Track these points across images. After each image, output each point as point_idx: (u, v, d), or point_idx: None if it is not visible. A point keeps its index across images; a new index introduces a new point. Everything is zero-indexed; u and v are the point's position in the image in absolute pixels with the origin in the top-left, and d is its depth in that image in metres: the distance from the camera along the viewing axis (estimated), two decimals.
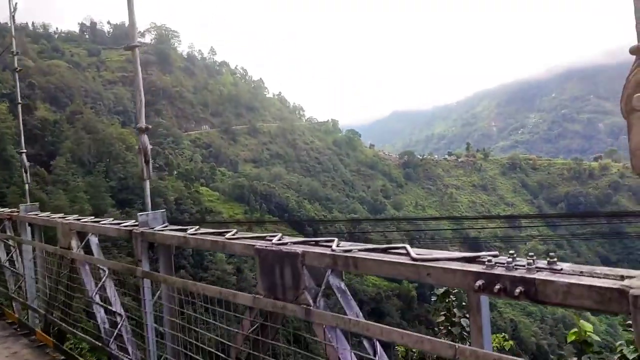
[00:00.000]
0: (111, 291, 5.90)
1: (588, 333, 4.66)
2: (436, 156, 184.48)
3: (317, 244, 3.66)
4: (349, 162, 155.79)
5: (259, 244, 3.86)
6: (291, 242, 3.76)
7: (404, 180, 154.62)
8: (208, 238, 4.42)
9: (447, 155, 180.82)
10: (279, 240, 3.90)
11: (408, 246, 3.08)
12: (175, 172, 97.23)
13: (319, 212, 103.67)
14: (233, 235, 4.30)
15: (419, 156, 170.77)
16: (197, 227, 4.75)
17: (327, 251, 3.36)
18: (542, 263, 2.45)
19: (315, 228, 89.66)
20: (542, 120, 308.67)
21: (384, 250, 3.19)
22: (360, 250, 3.27)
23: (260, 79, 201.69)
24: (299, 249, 3.51)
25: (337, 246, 3.42)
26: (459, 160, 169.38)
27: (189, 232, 4.65)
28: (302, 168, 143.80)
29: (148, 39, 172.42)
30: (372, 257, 3.09)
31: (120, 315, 5.75)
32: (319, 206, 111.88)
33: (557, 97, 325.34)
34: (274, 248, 3.67)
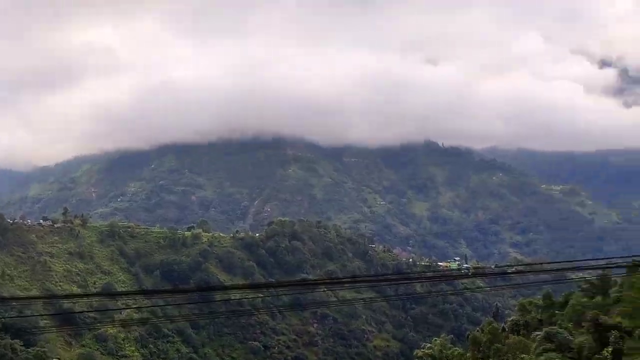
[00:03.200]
0: None
1: None
2: (29, 220, 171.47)
3: None
4: None
5: None
6: None
7: None
8: None
9: (42, 220, 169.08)
10: None
11: None
12: None
13: None
14: None
15: (9, 220, 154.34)
16: None
17: None
18: None
19: None
20: (142, 189, 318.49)
21: None
22: None
23: None
24: None
25: None
26: (56, 225, 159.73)
27: None
28: None
29: None
30: None
31: None
32: None
33: (157, 168, 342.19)
34: None
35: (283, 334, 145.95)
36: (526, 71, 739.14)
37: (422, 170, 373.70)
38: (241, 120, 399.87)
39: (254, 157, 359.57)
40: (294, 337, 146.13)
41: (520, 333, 69.23)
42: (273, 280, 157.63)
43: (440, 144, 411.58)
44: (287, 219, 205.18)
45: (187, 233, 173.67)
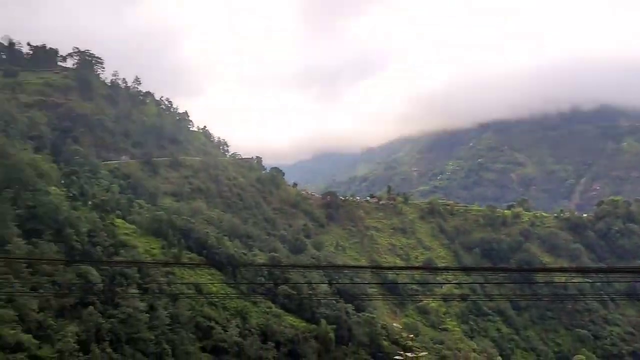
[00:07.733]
0: None
1: None
2: (358, 198, 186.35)
3: None
4: (271, 200, 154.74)
5: None
6: None
7: (326, 221, 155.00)
8: None
9: (369, 197, 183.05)
10: None
11: None
12: (90, 203, 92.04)
13: (239, 250, 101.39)
14: None
15: (341, 197, 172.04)
16: None
17: None
18: None
19: (235, 265, 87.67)
20: (460, 167, 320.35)
21: None
22: None
23: (186, 111, 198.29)
24: None
25: None
26: (380, 202, 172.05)
27: None
28: (224, 204, 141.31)
29: (70, 63, 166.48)
30: None
31: None
32: (239, 243, 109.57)
33: (475, 146, 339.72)
34: None
35: (617, 324, 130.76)
36: None
37: None
38: (555, 92, 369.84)
39: (577, 131, 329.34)
40: (631, 329, 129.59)
41: None
42: (603, 265, 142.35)
43: None
44: (621, 198, 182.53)
45: (507, 212, 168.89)
